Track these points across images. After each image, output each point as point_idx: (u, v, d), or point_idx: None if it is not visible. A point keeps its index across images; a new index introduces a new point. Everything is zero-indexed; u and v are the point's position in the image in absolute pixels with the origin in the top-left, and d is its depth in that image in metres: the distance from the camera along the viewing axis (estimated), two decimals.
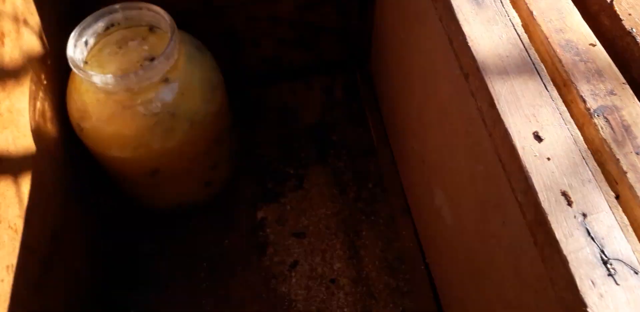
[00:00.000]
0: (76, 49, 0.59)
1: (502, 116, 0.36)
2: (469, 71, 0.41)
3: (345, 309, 0.69)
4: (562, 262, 0.29)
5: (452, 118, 0.50)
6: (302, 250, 0.75)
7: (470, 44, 0.40)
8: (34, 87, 0.59)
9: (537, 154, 0.33)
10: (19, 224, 0.52)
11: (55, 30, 0.67)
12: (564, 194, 0.32)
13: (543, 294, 0.35)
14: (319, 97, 0.92)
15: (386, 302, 0.69)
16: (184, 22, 0.77)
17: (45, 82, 0.63)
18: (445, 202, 0.57)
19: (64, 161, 0.64)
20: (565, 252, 0.29)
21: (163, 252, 0.77)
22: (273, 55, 0.89)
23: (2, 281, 0.49)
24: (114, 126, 0.60)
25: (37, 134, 0.59)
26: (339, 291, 0.70)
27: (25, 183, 0.54)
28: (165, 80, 0.60)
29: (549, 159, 0.33)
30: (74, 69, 0.57)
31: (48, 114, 0.63)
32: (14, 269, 0.51)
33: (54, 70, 0.65)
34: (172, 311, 0.71)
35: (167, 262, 0.75)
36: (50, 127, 0.62)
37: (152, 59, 0.62)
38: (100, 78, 0.56)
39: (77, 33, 0.60)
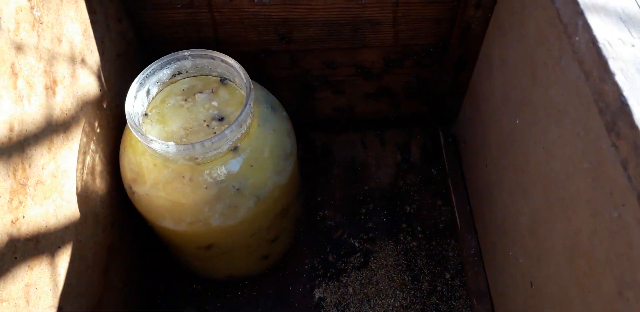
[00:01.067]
0: (136, 100, 0.51)
1: None
2: None
3: None
4: None
5: (597, 264, 0.39)
6: None
7: None
8: (85, 139, 0.51)
9: None
10: None
11: (114, 68, 0.58)
12: None
13: None
14: (393, 154, 0.82)
15: None
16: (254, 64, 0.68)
17: (98, 130, 0.55)
18: None
19: (109, 223, 0.56)
20: None
21: None
22: (346, 104, 0.79)
23: None
24: (170, 196, 0.51)
25: (84, 195, 0.50)
26: None
27: (63, 262, 0.46)
28: (234, 149, 0.51)
29: None
30: (131, 129, 0.48)
31: (98, 168, 0.54)
32: None
33: (109, 116, 0.57)
34: None
35: None
36: (98, 185, 0.54)
37: (220, 119, 0.53)
38: (159, 145, 0.47)
39: (139, 82, 0.51)
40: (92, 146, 0.53)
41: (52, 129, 0.46)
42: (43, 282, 0.43)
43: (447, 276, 0.70)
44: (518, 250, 0.54)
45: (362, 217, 0.76)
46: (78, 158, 0.50)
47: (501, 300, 0.60)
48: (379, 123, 0.84)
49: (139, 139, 0.48)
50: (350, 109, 0.81)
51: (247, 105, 0.49)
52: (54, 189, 0.45)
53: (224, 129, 0.48)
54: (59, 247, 0.45)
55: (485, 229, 0.66)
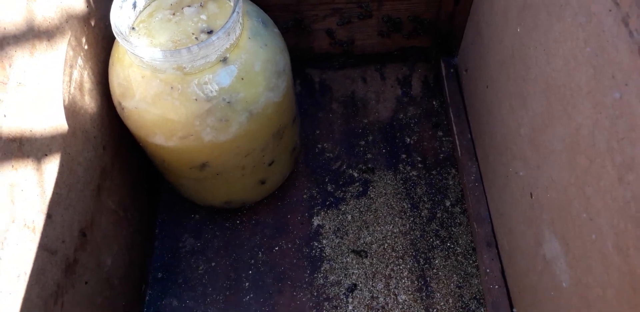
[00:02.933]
0: (122, 11, 0.49)
1: None
2: None
3: None
4: None
5: (597, 156, 0.37)
6: (362, 272, 0.64)
7: None
8: (71, 53, 0.50)
9: None
10: (39, 221, 0.43)
11: None
12: None
13: None
14: (394, 89, 0.80)
15: None
16: None
17: (86, 47, 0.53)
18: (562, 257, 0.44)
19: (100, 143, 0.55)
20: None
21: (205, 252, 0.68)
22: (345, 35, 0.77)
23: (10, 293, 0.40)
24: (160, 110, 0.50)
25: (71, 109, 0.49)
26: None
27: (51, 171, 0.45)
28: (224, 60, 0.49)
29: None
30: (116, 37, 0.46)
31: (87, 85, 0.53)
32: (27, 277, 0.42)
33: (97, 34, 0.55)
34: None
35: (208, 265, 0.66)
36: (88, 102, 0.53)
37: (209, 32, 0.51)
38: (145, 52, 0.46)
39: None
40: (80, 61, 0.52)
41: (33, 33, 0.44)
42: (29, 185, 0.42)
43: (447, 203, 0.69)
44: (518, 164, 0.53)
45: (361, 149, 0.75)
46: (64, 70, 0.49)
47: (501, 220, 0.60)
48: (379, 58, 0.82)
49: (125, 46, 0.46)
50: (350, 43, 0.78)
51: (235, 13, 0.47)
52: (38, 95, 0.44)
53: (211, 36, 0.46)
54: (46, 155, 0.45)
55: (485, 154, 0.65)
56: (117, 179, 0.59)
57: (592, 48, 0.37)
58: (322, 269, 0.65)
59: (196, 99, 0.49)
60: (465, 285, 0.62)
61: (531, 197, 0.50)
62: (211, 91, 0.49)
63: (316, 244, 0.67)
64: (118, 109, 0.54)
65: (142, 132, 0.53)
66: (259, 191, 0.66)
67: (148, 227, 0.69)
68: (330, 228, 0.68)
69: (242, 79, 0.51)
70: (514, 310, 0.57)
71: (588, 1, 0.37)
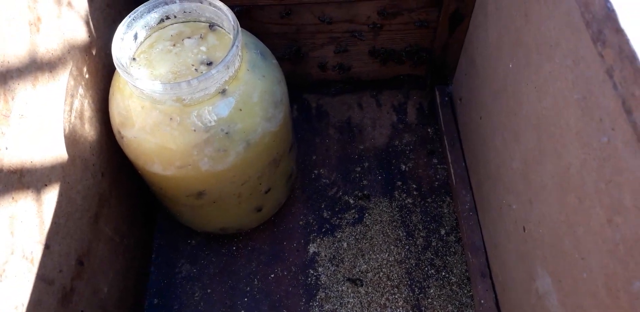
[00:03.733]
0: (123, 43, 0.50)
1: None
2: None
3: None
4: None
5: (586, 196, 0.38)
6: (357, 301, 0.64)
7: None
8: (72, 82, 0.51)
9: None
10: (37, 251, 0.44)
11: (103, 17, 0.58)
12: None
13: None
14: (389, 115, 0.81)
15: None
16: (245, 15, 0.67)
17: (87, 76, 0.54)
18: (554, 293, 0.45)
19: (99, 170, 0.56)
20: None
21: (201, 278, 0.68)
22: (341, 62, 0.78)
23: None
24: (159, 139, 0.51)
25: (71, 138, 0.50)
26: None
27: (50, 201, 0.46)
28: (222, 92, 0.50)
29: None
30: (117, 69, 0.48)
31: (87, 113, 0.54)
32: (24, 309, 0.42)
33: (98, 64, 0.57)
34: None
35: (204, 291, 0.66)
36: (87, 130, 0.54)
37: (209, 64, 0.52)
38: (146, 84, 0.47)
39: (125, 24, 0.51)
40: (81, 91, 0.53)
41: (36, 66, 0.45)
42: (29, 216, 0.43)
43: (442, 231, 0.69)
44: (511, 197, 0.54)
45: (357, 175, 0.75)
46: (65, 100, 0.50)
47: (495, 252, 0.60)
48: (375, 84, 0.83)
49: (126, 78, 0.47)
50: (347, 69, 0.80)
51: (234, 47, 0.48)
52: (39, 126, 0.45)
53: (211, 69, 0.47)
54: (45, 185, 0.45)
55: (479, 184, 0.65)
56: (114, 206, 0.60)
57: (580, 90, 0.38)
58: (317, 297, 0.65)
59: (194, 130, 0.50)
60: None
61: (524, 231, 0.51)
62: (209, 122, 0.50)
63: (312, 272, 0.67)
64: (117, 138, 0.54)
65: (140, 160, 0.54)
66: (255, 218, 0.67)
67: (144, 252, 0.69)
68: (326, 255, 0.68)
69: (240, 110, 0.52)
70: None
71: (576, 45, 0.38)
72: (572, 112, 0.40)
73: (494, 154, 0.59)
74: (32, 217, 0.43)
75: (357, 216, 0.72)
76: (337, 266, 0.67)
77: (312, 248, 0.69)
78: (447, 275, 0.65)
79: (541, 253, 0.47)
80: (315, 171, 0.76)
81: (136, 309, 0.65)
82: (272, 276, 0.67)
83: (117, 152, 0.59)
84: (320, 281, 0.66)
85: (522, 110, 0.49)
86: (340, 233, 0.70)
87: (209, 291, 0.67)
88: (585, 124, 0.38)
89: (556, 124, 0.42)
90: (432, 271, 0.66)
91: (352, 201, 0.73)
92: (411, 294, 0.64)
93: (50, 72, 0.48)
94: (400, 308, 0.63)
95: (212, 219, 0.65)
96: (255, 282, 0.67)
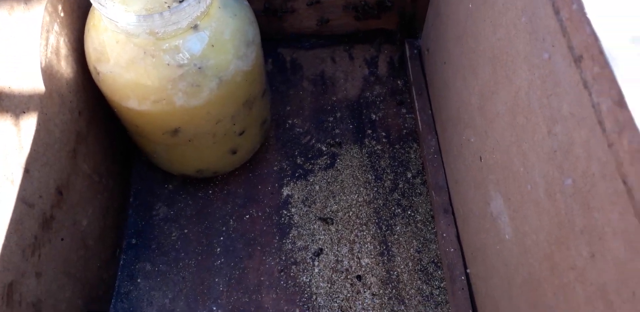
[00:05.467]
0: None
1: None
2: (583, 53, 0.33)
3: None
4: None
5: (532, 114, 0.42)
6: (328, 237, 0.68)
7: (590, 15, 0.31)
8: (48, 18, 0.52)
9: None
10: (17, 173, 0.46)
11: None
12: None
13: None
14: (361, 69, 0.83)
15: (417, 311, 0.62)
16: None
17: (62, 14, 0.56)
18: (505, 212, 0.49)
19: (76, 108, 0.57)
20: None
21: (178, 219, 0.71)
22: (314, 16, 0.80)
23: None
24: (133, 74, 0.53)
25: (48, 72, 0.52)
26: (366, 290, 0.64)
27: (28, 128, 0.48)
28: (194, 27, 0.52)
29: None
30: (92, 2, 0.49)
31: (63, 51, 0.56)
32: (6, 225, 0.44)
33: (73, 4, 0.58)
34: (182, 285, 0.65)
35: (181, 232, 0.69)
36: (64, 67, 0.55)
37: (181, 1, 0.54)
38: (120, 16, 0.48)
39: None
40: (56, 28, 0.54)
41: None
42: (8, 138, 0.45)
43: (409, 175, 0.73)
44: (470, 132, 0.57)
45: (330, 124, 0.78)
46: (41, 34, 0.51)
47: (456, 187, 0.64)
48: (348, 39, 0.85)
49: (101, 11, 0.49)
50: (323, 22, 0.82)
51: None
52: (15, 54, 0.47)
53: (182, 3, 0.49)
54: (24, 112, 0.47)
55: (443, 127, 0.69)
56: (92, 145, 0.62)
57: (527, 15, 0.41)
58: (290, 235, 0.69)
59: (168, 64, 0.52)
60: (424, 250, 0.66)
61: (480, 160, 0.54)
62: (182, 57, 0.52)
63: (285, 213, 0.71)
64: (93, 74, 0.56)
65: (116, 96, 0.55)
66: (230, 161, 0.70)
67: (122, 195, 0.71)
68: (299, 198, 0.72)
69: (213, 45, 0.54)
70: (468, 270, 0.61)
71: None
72: (521, 37, 0.43)
73: (456, 95, 0.62)
74: (11, 140, 0.45)
75: (329, 161, 0.75)
76: (310, 206, 0.71)
77: (285, 191, 0.72)
78: (412, 214, 0.69)
79: (494, 177, 0.51)
80: (290, 121, 0.79)
81: (115, 247, 0.68)
82: (247, 216, 0.71)
83: (93, 92, 0.61)
84: (293, 221, 0.70)
85: (480, 47, 0.53)
86: (313, 177, 0.73)
87: (185, 231, 0.70)
88: (531, 47, 0.41)
89: (508, 52, 0.46)
90: (399, 210, 0.70)
91: (324, 148, 0.76)
92: (379, 231, 0.68)
93: (26, 4, 0.49)
94: (368, 244, 0.67)
95: (189, 160, 0.67)
96: (231, 223, 0.70)
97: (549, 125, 0.39)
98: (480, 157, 0.54)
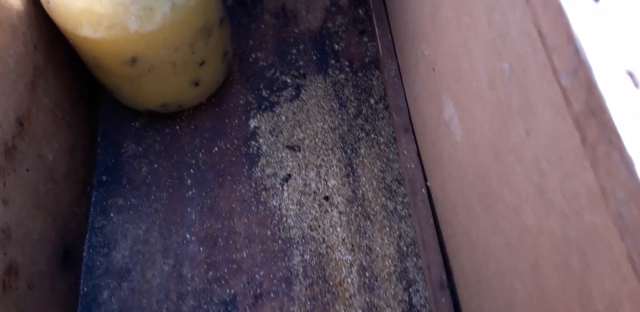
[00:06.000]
0: None
1: None
2: None
3: (339, 229, 0.64)
4: (625, 164, 0.23)
5: (474, 9, 0.42)
6: (295, 164, 0.70)
7: None
8: None
9: (596, 16, 0.26)
10: None
11: None
12: (631, 74, 0.25)
13: (575, 218, 0.30)
14: (323, 0, 0.83)
15: (382, 225, 0.64)
16: None
17: None
18: (456, 114, 0.50)
19: (30, 41, 0.57)
20: (630, 151, 0.23)
21: (147, 155, 0.71)
22: None
23: None
24: (85, 0, 0.52)
25: None
26: (333, 209, 0.66)
27: None
28: None
29: (610, 23, 0.26)
30: None
31: None
32: None
33: None
34: (155, 216, 0.67)
35: (151, 167, 0.70)
36: None
37: None
38: None
39: None
40: None
41: None
42: None
43: (372, 101, 0.74)
44: (424, 45, 0.58)
45: (293, 56, 0.78)
46: None
47: (415, 105, 0.65)
48: None
49: None
50: None
51: None
52: None
53: None
54: None
55: (402, 51, 0.69)
56: (52, 80, 0.61)
57: None
58: (259, 164, 0.70)
59: None
60: (388, 169, 0.68)
61: (433, 71, 0.55)
62: None
63: (253, 143, 0.72)
64: (44, 3, 0.55)
65: (69, 24, 0.55)
66: (194, 93, 0.70)
67: (89, 133, 0.72)
68: (266, 129, 0.73)
69: None
70: (428, 183, 0.63)
71: None
72: None
73: (411, 12, 0.62)
74: None
75: (294, 92, 0.75)
76: (277, 136, 0.72)
77: (252, 123, 0.73)
78: (375, 137, 0.71)
79: (446, 84, 0.52)
80: (253, 55, 0.79)
81: (85, 185, 0.69)
82: (216, 149, 0.72)
83: (47, 26, 0.60)
84: (262, 150, 0.71)
85: None
86: (279, 108, 0.74)
87: (155, 166, 0.71)
88: None
89: None
90: (363, 134, 0.71)
91: (289, 80, 0.77)
92: (344, 155, 0.70)
93: None
94: (335, 167, 0.69)
95: (151, 93, 0.67)
96: (200, 156, 0.71)
97: (489, 15, 0.40)
98: (433, 68, 0.55)
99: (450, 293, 0.56)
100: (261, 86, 0.76)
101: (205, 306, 0.60)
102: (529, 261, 0.37)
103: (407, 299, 0.58)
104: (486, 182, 0.44)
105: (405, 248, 0.62)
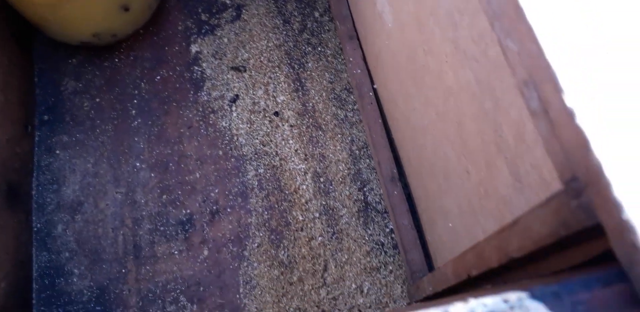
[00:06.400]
0: None
1: None
2: None
3: (291, 141, 0.63)
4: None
5: None
6: (242, 84, 0.67)
7: None
8: None
9: None
10: None
11: None
12: None
13: (484, 58, 0.28)
14: None
15: (334, 133, 0.63)
16: None
17: None
18: (386, 4, 0.48)
19: None
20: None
21: (88, 91, 0.68)
22: None
23: None
24: None
25: None
26: (284, 123, 0.64)
27: None
28: None
29: None
30: None
31: None
32: None
33: None
34: (102, 149, 0.64)
35: (93, 101, 0.67)
36: None
37: None
38: None
39: None
40: None
41: None
42: None
43: (317, 14, 0.71)
44: None
45: None
46: None
47: (357, 10, 0.63)
48: None
49: None
50: None
51: None
52: None
53: None
54: None
55: None
56: None
57: None
58: (204, 88, 0.68)
59: None
60: (336, 80, 0.66)
61: None
62: None
63: (196, 68, 0.69)
64: None
65: None
66: (126, 20, 0.66)
67: (24, 73, 0.68)
68: (208, 52, 0.70)
69: None
70: (375, 86, 0.61)
71: None
72: None
73: None
74: None
75: (234, 13, 0.72)
76: (220, 59, 0.69)
77: (194, 48, 0.70)
78: (322, 49, 0.68)
79: None
80: None
81: (26, 125, 0.66)
82: (159, 77, 0.69)
83: None
84: (206, 74, 0.68)
85: None
86: (220, 31, 0.71)
87: (97, 100, 0.68)
88: None
89: None
90: (309, 48, 0.69)
91: (228, 1, 0.73)
92: (291, 71, 0.67)
93: None
94: (282, 83, 0.66)
95: (79, 22, 0.63)
96: (143, 86, 0.68)
97: None
98: None
99: (403, 186, 0.55)
100: (199, 10, 0.73)
101: (162, 228, 0.59)
102: (455, 122, 0.36)
103: (363, 198, 0.58)
104: (414, 58, 0.42)
105: (357, 151, 0.61)
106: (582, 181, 0.17)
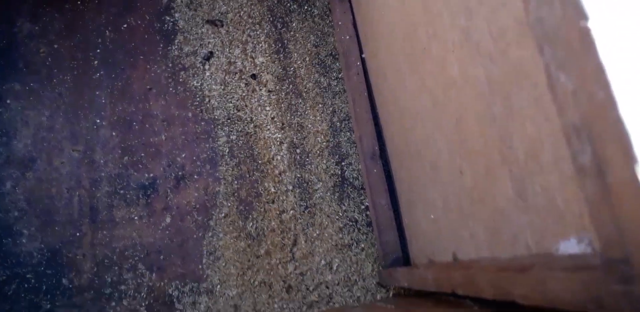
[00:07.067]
0: None
1: None
2: None
3: (267, 108, 0.59)
4: None
5: None
6: (218, 40, 0.62)
7: None
8: None
9: None
10: None
11: None
12: None
13: (501, 57, 0.25)
14: None
15: (315, 102, 0.59)
16: None
17: None
18: None
19: None
20: None
21: (45, 35, 0.62)
22: None
23: None
24: None
25: None
26: (261, 87, 0.60)
27: None
28: None
29: None
30: None
31: None
32: None
33: None
34: (59, 101, 0.59)
35: (50, 48, 0.61)
36: None
37: None
38: None
39: None
40: None
41: None
42: None
43: None
44: None
45: None
46: None
47: None
48: None
49: None
50: None
51: None
52: None
53: None
54: None
55: None
56: None
57: None
58: (176, 41, 0.62)
59: None
60: (322, 43, 0.62)
61: None
62: None
63: (168, 19, 0.63)
64: None
65: None
66: None
67: None
68: (182, 1, 0.64)
69: None
70: (363, 55, 0.57)
71: None
72: None
73: None
74: None
75: None
76: (195, 10, 0.63)
77: None
78: (309, 8, 0.63)
79: None
80: None
81: None
82: (125, 26, 0.62)
83: None
84: (178, 26, 0.63)
85: None
86: None
87: (55, 46, 0.61)
88: None
89: None
90: (295, 6, 0.63)
91: None
92: (273, 30, 0.62)
93: None
94: (263, 43, 0.62)
95: None
96: (107, 34, 0.62)
97: None
98: None
99: (383, 163, 0.53)
100: None
101: (122, 191, 0.55)
102: (454, 117, 0.33)
103: (340, 173, 0.55)
104: (414, 38, 0.39)
105: (338, 123, 0.58)
106: (637, 267, 0.14)
